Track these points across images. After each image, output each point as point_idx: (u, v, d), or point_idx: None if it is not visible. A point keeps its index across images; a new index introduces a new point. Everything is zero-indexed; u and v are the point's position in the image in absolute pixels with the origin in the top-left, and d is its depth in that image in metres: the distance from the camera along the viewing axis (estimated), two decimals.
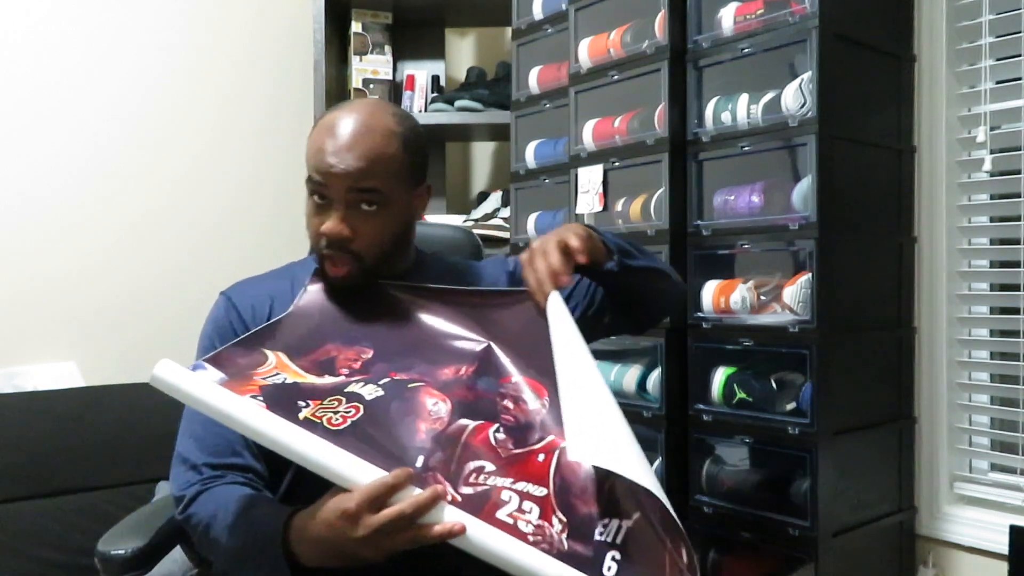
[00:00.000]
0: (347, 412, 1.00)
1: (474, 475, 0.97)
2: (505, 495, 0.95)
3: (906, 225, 1.75)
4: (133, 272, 2.36)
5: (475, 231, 2.32)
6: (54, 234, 2.27)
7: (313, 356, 1.11)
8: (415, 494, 0.92)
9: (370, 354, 1.12)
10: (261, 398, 0.99)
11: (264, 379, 1.04)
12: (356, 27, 2.45)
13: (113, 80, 2.35)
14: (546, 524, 0.93)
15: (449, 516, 0.92)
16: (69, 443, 2.04)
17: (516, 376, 1.08)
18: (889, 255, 1.72)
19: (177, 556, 1.27)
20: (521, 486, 0.96)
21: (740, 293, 1.63)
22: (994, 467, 1.75)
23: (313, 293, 1.21)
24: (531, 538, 0.92)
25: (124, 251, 2.35)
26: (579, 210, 1.89)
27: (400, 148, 1.18)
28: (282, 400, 1.00)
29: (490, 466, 0.98)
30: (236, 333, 1.19)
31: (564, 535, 0.93)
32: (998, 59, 1.71)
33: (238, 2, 2.52)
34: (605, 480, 0.97)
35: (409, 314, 1.20)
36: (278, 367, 1.07)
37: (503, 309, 1.19)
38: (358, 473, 0.94)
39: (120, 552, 1.16)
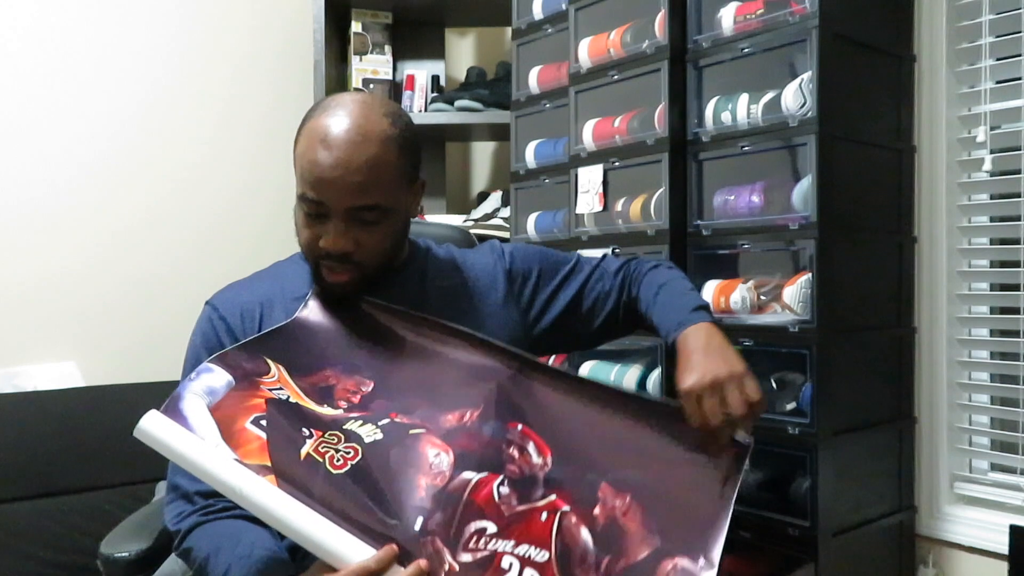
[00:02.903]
0: (347, 453, 0.96)
1: (475, 539, 0.93)
2: (506, 562, 0.91)
3: (906, 225, 1.75)
4: (133, 272, 2.36)
5: (475, 231, 2.33)
6: (54, 234, 2.27)
7: (312, 379, 1.06)
8: (398, 573, 0.88)
9: (370, 387, 1.08)
10: (264, 418, 0.96)
11: (270, 390, 1.00)
12: (356, 27, 2.45)
13: (113, 80, 2.35)
14: None
15: None
16: (69, 443, 2.04)
17: (521, 424, 1.05)
18: (889, 255, 1.72)
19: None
20: (523, 550, 0.93)
21: (740, 293, 1.63)
22: (994, 467, 1.75)
23: (314, 309, 1.16)
24: None
25: (124, 251, 2.35)
26: (579, 210, 1.89)
27: (397, 153, 1.11)
28: (287, 420, 0.97)
29: (492, 527, 0.94)
30: (224, 346, 1.14)
31: None
32: (998, 59, 1.71)
33: (238, 2, 2.52)
34: (604, 554, 0.94)
35: (413, 347, 1.15)
36: (280, 381, 1.03)
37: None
38: (346, 550, 0.90)
39: (124, 555, 1.17)
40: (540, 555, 0.92)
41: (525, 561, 0.92)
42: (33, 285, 2.24)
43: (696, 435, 1.06)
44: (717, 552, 0.96)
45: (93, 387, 2.20)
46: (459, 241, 1.62)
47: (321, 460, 0.94)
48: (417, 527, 0.92)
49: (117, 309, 2.33)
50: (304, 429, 0.97)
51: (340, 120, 1.08)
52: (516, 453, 1.01)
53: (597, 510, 0.99)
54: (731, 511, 1.01)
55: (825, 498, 1.53)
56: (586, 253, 1.87)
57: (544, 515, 0.96)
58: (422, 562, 0.89)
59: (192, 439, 0.94)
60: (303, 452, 0.94)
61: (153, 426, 0.95)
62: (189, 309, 1.24)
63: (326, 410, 1.02)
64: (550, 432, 1.05)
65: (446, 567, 0.90)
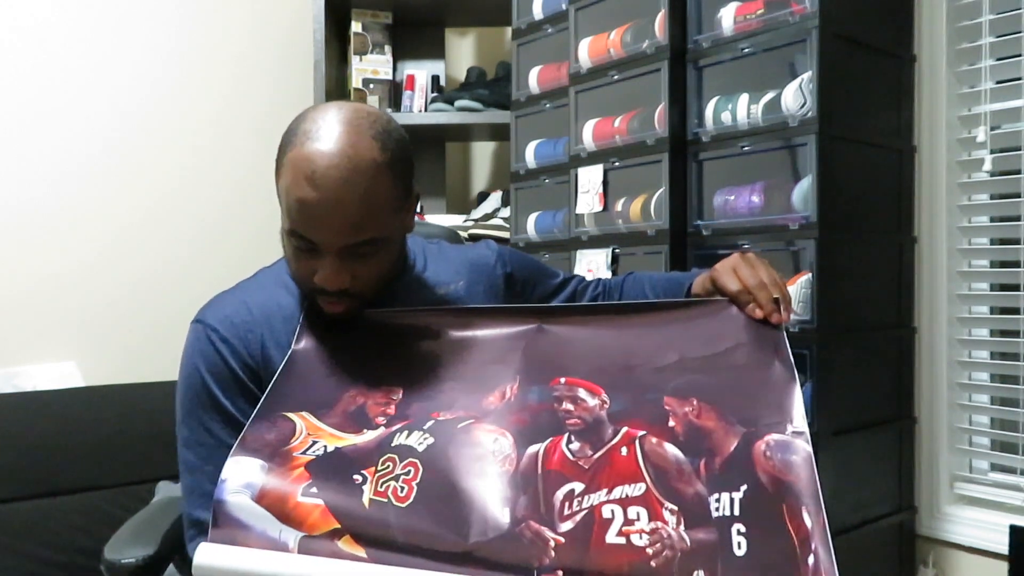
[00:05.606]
0: (406, 474, 0.92)
1: (567, 505, 0.89)
2: (607, 511, 0.88)
3: (906, 225, 1.75)
4: (133, 272, 2.36)
5: (475, 231, 2.33)
6: (54, 234, 2.27)
7: (340, 407, 1.02)
8: None
9: (400, 394, 1.03)
10: (312, 485, 0.91)
11: (304, 453, 0.95)
12: (356, 27, 2.45)
13: (113, 80, 2.35)
14: (659, 524, 0.86)
15: None
16: (69, 443, 2.03)
17: (563, 378, 1.02)
18: (889, 255, 1.72)
19: None
20: (618, 493, 0.89)
21: None
22: (994, 467, 1.75)
23: (309, 339, 1.11)
24: (650, 550, 0.84)
25: (124, 250, 2.35)
26: (579, 210, 1.89)
27: (391, 180, 1.03)
28: (336, 476, 0.92)
29: (578, 486, 0.90)
30: (232, 370, 1.09)
31: (681, 527, 0.86)
32: (998, 59, 1.71)
33: (238, 2, 2.52)
34: (696, 459, 0.92)
35: (427, 341, 1.11)
36: (310, 433, 0.98)
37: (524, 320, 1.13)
38: None
39: (131, 560, 1.14)
40: (637, 489, 0.89)
41: (625, 502, 0.88)
42: (33, 285, 2.24)
43: (728, 320, 1.09)
44: (801, 416, 0.96)
45: (93, 387, 2.19)
46: (451, 240, 1.62)
47: (386, 500, 0.90)
48: (507, 520, 0.88)
49: (117, 309, 2.33)
50: (355, 475, 0.92)
51: (326, 150, 1.00)
52: (570, 406, 0.98)
53: (671, 422, 0.97)
54: (796, 375, 1.01)
55: (825, 498, 1.52)
56: (586, 253, 1.88)
57: (624, 449, 0.93)
58: None
59: (253, 554, 0.90)
60: (365, 501, 0.90)
61: (209, 558, 0.89)
62: (189, 309, 1.23)
63: (367, 435, 0.98)
64: (594, 370, 1.03)
65: (552, 543, 0.86)
